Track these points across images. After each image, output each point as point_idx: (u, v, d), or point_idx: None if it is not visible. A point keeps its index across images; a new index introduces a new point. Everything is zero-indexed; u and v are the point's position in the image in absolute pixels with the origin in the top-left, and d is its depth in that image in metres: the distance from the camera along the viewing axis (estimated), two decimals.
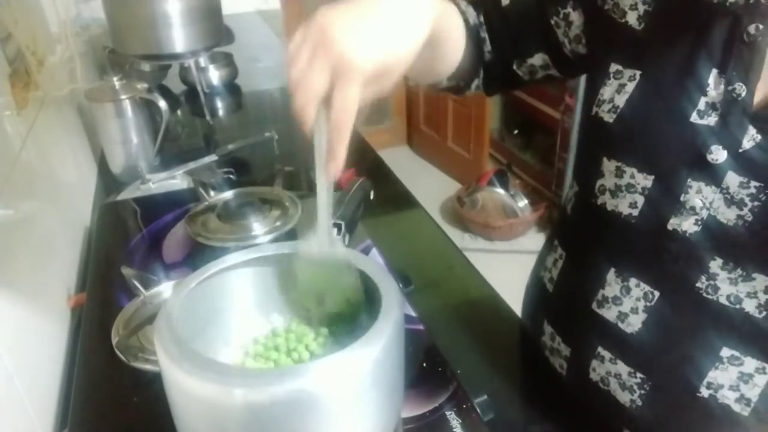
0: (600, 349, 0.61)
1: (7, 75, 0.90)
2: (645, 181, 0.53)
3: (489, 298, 0.90)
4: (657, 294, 0.55)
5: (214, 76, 1.77)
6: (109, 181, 1.28)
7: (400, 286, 0.87)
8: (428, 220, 1.12)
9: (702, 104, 0.50)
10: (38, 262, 0.85)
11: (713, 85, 0.49)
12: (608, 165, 0.56)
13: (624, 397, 0.60)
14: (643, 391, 0.58)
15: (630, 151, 0.55)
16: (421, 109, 3.39)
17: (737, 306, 0.51)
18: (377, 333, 0.48)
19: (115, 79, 1.20)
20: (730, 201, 0.49)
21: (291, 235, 0.90)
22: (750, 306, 0.51)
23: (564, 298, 0.67)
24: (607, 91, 0.57)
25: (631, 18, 0.56)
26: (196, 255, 0.94)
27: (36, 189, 0.93)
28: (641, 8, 0.55)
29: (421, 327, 0.78)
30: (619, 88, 0.56)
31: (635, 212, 0.55)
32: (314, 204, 0.53)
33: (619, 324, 0.58)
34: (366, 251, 0.94)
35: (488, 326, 0.85)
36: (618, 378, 0.60)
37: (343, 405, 0.48)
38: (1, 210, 0.74)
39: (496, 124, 3.19)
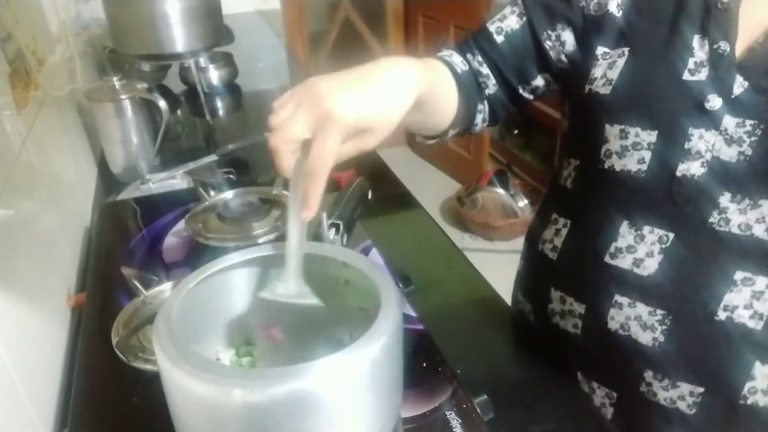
0: (617, 297, 0.65)
1: (7, 75, 0.90)
2: (649, 137, 0.59)
3: (489, 298, 0.90)
4: (671, 236, 0.60)
5: (214, 76, 1.77)
6: (109, 181, 1.28)
7: (400, 286, 0.87)
8: (428, 220, 1.12)
9: (691, 64, 0.57)
10: (38, 262, 0.85)
11: (698, 46, 0.57)
12: (611, 130, 0.61)
13: (645, 337, 0.64)
14: (664, 327, 0.63)
15: (631, 112, 0.60)
16: None
17: (748, 233, 0.57)
18: (376, 333, 0.48)
19: (115, 79, 1.20)
20: (730, 140, 0.55)
21: None
22: (759, 230, 0.57)
23: (572, 260, 0.70)
24: (597, 71, 0.63)
25: (612, 7, 0.62)
26: (196, 255, 0.94)
27: (36, 189, 0.93)
28: None
29: (421, 327, 0.78)
30: (610, 65, 0.62)
31: (644, 167, 0.60)
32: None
33: (635, 269, 0.63)
34: (366, 251, 0.94)
35: (488, 326, 0.85)
36: (638, 320, 0.64)
37: (342, 405, 0.48)
38: (1, 210, 0.74)
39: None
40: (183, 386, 0.46)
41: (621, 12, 0.61)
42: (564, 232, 0.71)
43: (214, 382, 0.44)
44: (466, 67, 0.71)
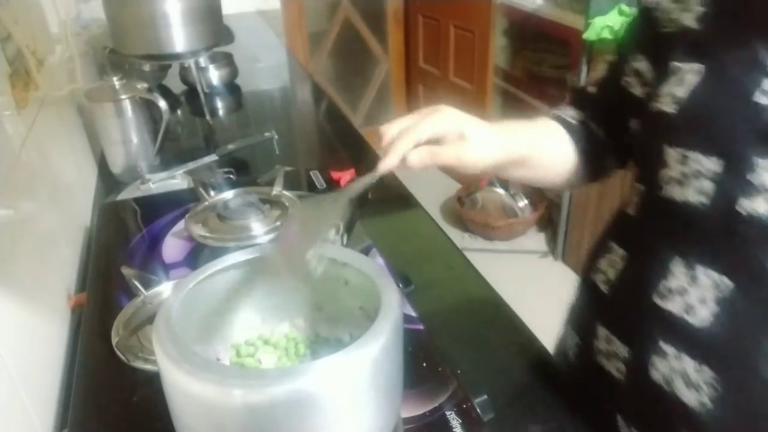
0: (662, 344, 0.58)
1: (7, 75, 0.90)
2: (711, 164, 0.52)
3: (489, 298, 0.90)
4: (730, 284, 0.53)
5: (214, 76, 1.77)
6: (109, 181, 1.28)
7: (400, 286, 0.87)
8: (428, 220, 1.12)
9: (766, 85, 0.51)
10: (38, 262, 0.85)
11: None
12: (672, 154, 0.56)
13: (690, 398, 0.56)
14: (713, 391, 0.54)
15: (694, 136, 0.54)
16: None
17: None
18: (376, 333, 0.48)
19: (115, 79, 1.20)
20: None
21: None
22: None
23: (622, 296, 0.65)
24: (665, 87, 0.58)
25: (687, 20, 0.58)
26: (196, 255, 0.94)
27: (36, 189, 0.93)
28: (698, 9, 0.57)
29: (421, 327, 0.78)
30: (678, 81, 0.57)
31: (703, 198, 0.53)
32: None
33: (685, 316, 0.56)
34: (366, 251, 0.94)
35: (488, 326, 0.85)
36: (683, 375, 0.56)
37: (342, 405, 0.48)
38: (1, 210, 0.74)
39: None
40: (183, 386, 0.46)
41: (695, 25, 0.57)
42: (619, 264, 0.65)
43: (214, 382, 0.44)
44: (576, 121, 0.73)
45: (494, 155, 0.61)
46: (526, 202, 2.62)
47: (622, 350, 0.63)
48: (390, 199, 1.18)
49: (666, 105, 0.57)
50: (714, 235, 0.54)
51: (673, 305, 0.56)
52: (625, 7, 1.90)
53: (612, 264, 0.66)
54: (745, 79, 0.51)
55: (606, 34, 1.89)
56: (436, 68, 3.13)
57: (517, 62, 2.83)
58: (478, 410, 0.65)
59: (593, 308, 0.70)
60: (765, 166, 0.50)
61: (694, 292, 0.55)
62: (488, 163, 0.60)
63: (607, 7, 1.93)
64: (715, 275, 0.54)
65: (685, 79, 0.56)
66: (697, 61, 0.56)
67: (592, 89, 0.72)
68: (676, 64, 0.58)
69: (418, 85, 3.34)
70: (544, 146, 0.70)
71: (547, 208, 2.65)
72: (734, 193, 0.51)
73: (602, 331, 0.66)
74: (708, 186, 0.53)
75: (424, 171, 0.57)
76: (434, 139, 0.57)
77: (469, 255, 1.00)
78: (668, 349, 0.57)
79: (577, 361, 0.73)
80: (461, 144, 0.57)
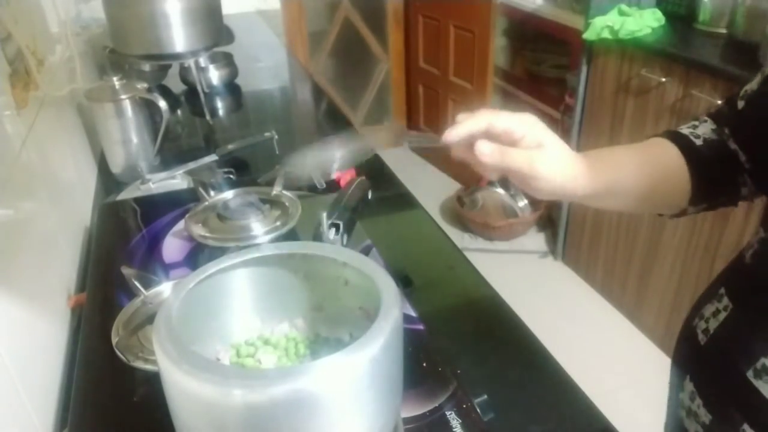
0: (746, 427, 0.52)
1: (7, 75, 0.90)
2: None
3: (489, 298, 0.90)
4: None
5: (214, 76, 1.77)
6: (109, 181, 1.28)
7: (400, 286, 0.87)
8: (428, 220, 1.12)
9: None
10: (38, 262, 0.85)
11: None
12: None
13: None
14: None
15: None
16: (421, 109, 3.39)
17: None
18: (376, 333, 0.48)
19: (115, 79, 1.20)
20: None
21: (291, 235, 0.90)
22: None
23: (717, 357, 0.58)
24: None
25: None
26: (196, 255, 0.94)
27: (36, 189, 0.93)
28: None
29: (421, 327, 0.78)
30: None
31: None
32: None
33: None
34: (366, 251, 0.94)
35: (488, 326, 0.85)
36: None
37: (342, 405, 0.48)
38: (1, 210, 0.74)
39: None
40: (183, 386, 0.46)
41: None
42: (722, 316, 0.58)
43: (214, 382, 0.44)
44: (704, 139, 0.63)
45: (566, 177, 0.54)
46: (526, 202, 2.62)
47: (705, 416, 0.57)
48: (390, 199, 1.17)
49: None
50: None
51: (767, 388, 0.50)
52: (625, 7, 1.90)
53: (715, 314, 0.59)
54: None
55: (606, 34, 1.89)
56: (436, 68, 3.12)
57: (517, 62, 2.83)
58: (478, 410, 0.65)
59: (688, 358, 0.64)
60: None
61: None
62: (558, 184, 0.53)
63: (607, 7, 1.93)
64: None
65: None
66: None
67: (741, 103, 0.60)
68: None
69: (418, 85, 3.34)
70: (636, 175, 0.60)
71: (547, 208, 2.65)
72: None
73: (689, 386, 0.60)
74: None
75: (491, 171, 0.54)
76: (510, 141, 0.53)
77: (469, 255, 1.00)
78: (745, 427, 0.52)
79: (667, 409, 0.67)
80: (536, 152, 0.52)
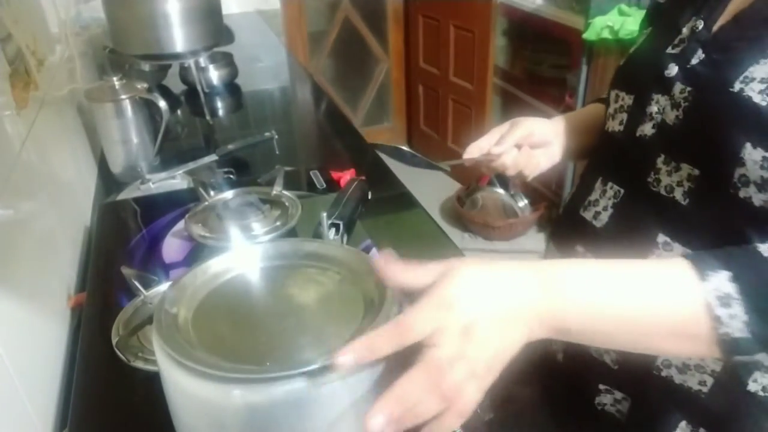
0: (578, 247, 0.70)
1: (7, 75, 0.90)
2: (627, 100, 0.66)
3: None
4: (622, 191, 0.66)
5: (214, 76, 1.77)
6: (109, 181, 1.28)
7: None
8: (428, 220, 1.12)
9: (677, 40, 0.62)
10: (38, 262, 0.85)
11: (687, 25, 0.62)
12: (612, 94, 0.69)
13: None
14: None
15: (620, 79, 0.69)
16: (421, 109, 3.39)
17: (671, 195, 0.60)
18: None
19: (115, 79, 1.20)
20: (673, 105, 0.59)
21: (291, 235, 0.90)
22: (678, 194, 0.59)
23: (565, 212, 0.77)
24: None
25: None
26: (196, 255, 0.94)
27: (36, 189, 0.93)
28: None
29: None
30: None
31: (621, 127, 0.66)
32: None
33: (593, 221, 0.68)
34: (366, 251, 0.94)
35: None
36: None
37: (341, 405, 0.48)
38: (1, 210, 0.74)
39: (497, 124, 3.18)
40: (183, 386, 0.46)
41: None
42: (574, 189, 0.78)
43: (214, 382, 0.44)
44: None
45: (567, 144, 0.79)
46: (526, 202, 2.62)
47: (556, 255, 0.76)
48: (390, 199, 1.17)
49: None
50: (620, 155, 0.66)
51: (588, 214, 0.69)
52: (625, 7, 1.90)
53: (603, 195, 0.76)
54: (667, 36, 0.63)
55: (606, 34, 1.89)
56: (436, 68, 3.12)
57: (517, 62, 2.83)
58: (478, 410, 0.65)
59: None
60: (656, 99, 0.61)
61: (602, 202, 0.68)
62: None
63: (607, 7, 1.93)
64: (615, 186, 0.66)
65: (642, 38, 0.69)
66: (650, 24, 0.69)
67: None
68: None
69: (418, 85, 3.34)
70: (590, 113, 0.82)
71: (547, 208, 2.65)
72: (636, 122, 0.64)
73: (551, 243, 0.80)
74: (624, 117, 0.66)
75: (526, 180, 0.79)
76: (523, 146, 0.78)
77: (469, 255, 1.00)
78: (580, 248, 0.70)
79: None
80: (549, 148, 0.79)
